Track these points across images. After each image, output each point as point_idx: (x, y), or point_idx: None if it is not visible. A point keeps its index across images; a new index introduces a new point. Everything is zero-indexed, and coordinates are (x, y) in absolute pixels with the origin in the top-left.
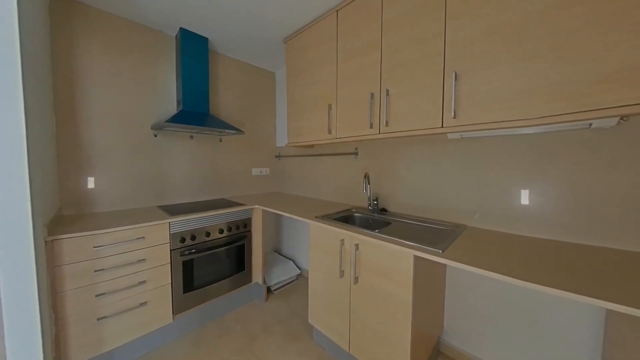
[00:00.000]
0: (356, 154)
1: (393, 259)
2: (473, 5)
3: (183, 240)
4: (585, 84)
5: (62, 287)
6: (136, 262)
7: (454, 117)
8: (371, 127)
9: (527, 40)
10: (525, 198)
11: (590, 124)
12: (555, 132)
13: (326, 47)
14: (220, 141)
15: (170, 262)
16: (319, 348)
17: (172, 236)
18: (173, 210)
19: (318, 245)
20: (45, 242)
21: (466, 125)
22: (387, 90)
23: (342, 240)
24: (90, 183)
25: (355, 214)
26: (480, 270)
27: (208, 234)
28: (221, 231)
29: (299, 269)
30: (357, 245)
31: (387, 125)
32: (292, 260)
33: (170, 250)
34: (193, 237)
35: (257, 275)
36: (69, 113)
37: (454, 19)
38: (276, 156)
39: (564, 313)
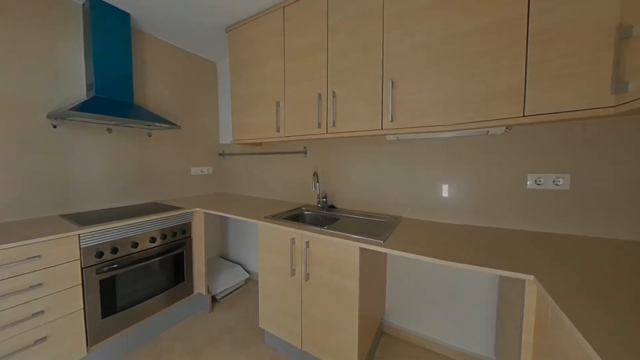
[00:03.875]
0: (305, 152)
1: (341, 253)
2: (405, 21)
3: (100, 254)
4: (485, 98)
5: None
6: (28, 289)
7: (391, 121)
8: (319, 126)
9: (445, 59)
10: (445, 191)
11: (488, 131)
12: (465, 137)
13: (273, 42)
14: (150, 136)
15: (82, 283)
16: (270, 351)
17: (84, 251)
18: (84, 219)
19: (268, 246)
20: None
21: (401, 128)
22: (334, 92)
23: (293, 239)
24: None
25: (305, 212)
26: (412, 255)
27: (135, 245)
28: (153, 240)
29: (248, 272)
30: (307, 243)
31: (334, 125)
32: (240, 264)
33: (82, 268)
34: (114, 250)
35: (199, 285)
36: None
37: (390, 32)
38: (220, 154)
39: (471, 281)
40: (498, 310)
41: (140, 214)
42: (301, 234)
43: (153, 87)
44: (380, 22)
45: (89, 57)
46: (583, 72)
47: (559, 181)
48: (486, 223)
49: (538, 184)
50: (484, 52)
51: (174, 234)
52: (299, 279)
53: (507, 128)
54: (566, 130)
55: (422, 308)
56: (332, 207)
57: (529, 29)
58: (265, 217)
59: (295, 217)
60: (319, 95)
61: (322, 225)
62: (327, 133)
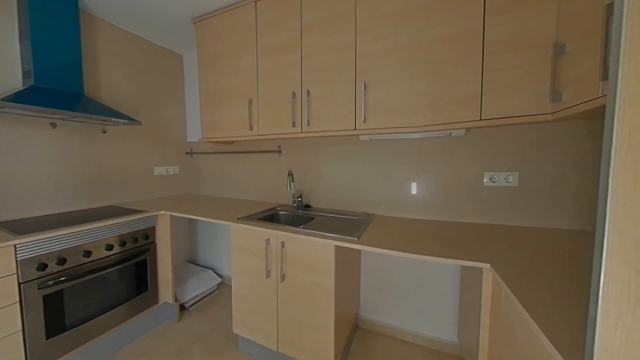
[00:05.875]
0: (280, 152)
1: (317, 252)
2: (376, 25)
3: (43, 266)
4: (448, 102)
5: None
6: None
7: (364, 121)
8: (294, 125)
9: (413, 64)
10: (414, 189)
11: (451, 133)
12: (431, 138)
13: (245, 37)
14: (105, 132)
15: (20, 300)
16: (245, 356)
17: (22, 263)
18: (23, 227)
19: (241, 248)
20: None
21: (373, 129)
22: (308, 91)
23: (268, 240)
24: None
25: (280, 212)
26: (384, 250)
27: (88, 254)
28: (110, 247)
29: (220, 277)
30: (282, 243)
31: (309, 124)
32: (211, 269)
33: (19, 284)
34: (62, 261)
35: (165, 294)
36: None
37: (362, 34)
38: (187, 153)
39: (437, 273)
40: (460, 297)
41: (93, 219)
42: (276, 234)
43: (109, 78)
44: (353, 24)
45: (25, 40)
46: (527, 82)
47: (510, 178)
48: (450, 218)
49: (493, 181)
50: (447, 60)
51: (135, 240)
52: (275, 280)
53: (467, 130)
54: (515, 133)
55: (393, 300)
56: (307, 206)
57: (485, 41)
58: (238, 219)
59: (270, 217)
60: (293, 94)
61: (297, 225)
62: (301, 132)
